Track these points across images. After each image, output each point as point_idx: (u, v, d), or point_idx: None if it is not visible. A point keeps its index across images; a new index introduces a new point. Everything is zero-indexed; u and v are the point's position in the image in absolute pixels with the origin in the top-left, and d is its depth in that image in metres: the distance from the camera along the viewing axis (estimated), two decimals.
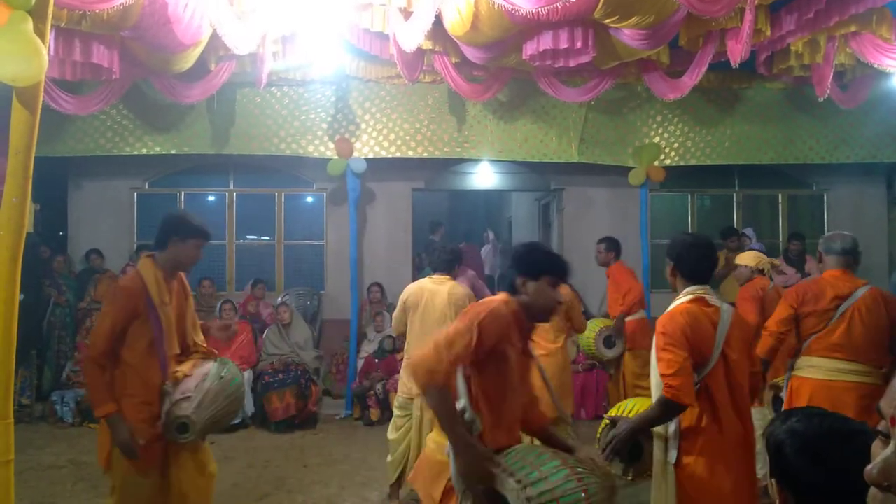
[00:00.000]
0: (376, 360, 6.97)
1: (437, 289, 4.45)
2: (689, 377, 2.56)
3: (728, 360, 2.67)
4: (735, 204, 8.79)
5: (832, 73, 5.88)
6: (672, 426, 2.67)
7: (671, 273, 2.83)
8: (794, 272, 7.42)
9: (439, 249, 4.72)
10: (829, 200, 8.80)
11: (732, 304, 3.44)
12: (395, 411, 4.61)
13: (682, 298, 2.75)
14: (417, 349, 4.26)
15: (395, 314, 4.63)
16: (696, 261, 2.77)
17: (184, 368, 3.10)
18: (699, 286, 2.74)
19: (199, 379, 3.05)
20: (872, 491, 0.99)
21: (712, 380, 2.64)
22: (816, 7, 4.78)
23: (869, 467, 0.99)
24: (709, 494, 2.60)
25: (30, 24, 2.63)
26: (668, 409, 2.60)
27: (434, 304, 4.38)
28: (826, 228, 8.77)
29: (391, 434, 4.57)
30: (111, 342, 2.92)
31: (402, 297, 4.57)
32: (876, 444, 1.02)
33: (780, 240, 8.64)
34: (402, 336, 4.72)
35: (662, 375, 2.57)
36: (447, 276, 4.52)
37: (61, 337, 7.20)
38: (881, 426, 0.99)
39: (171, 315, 3.07)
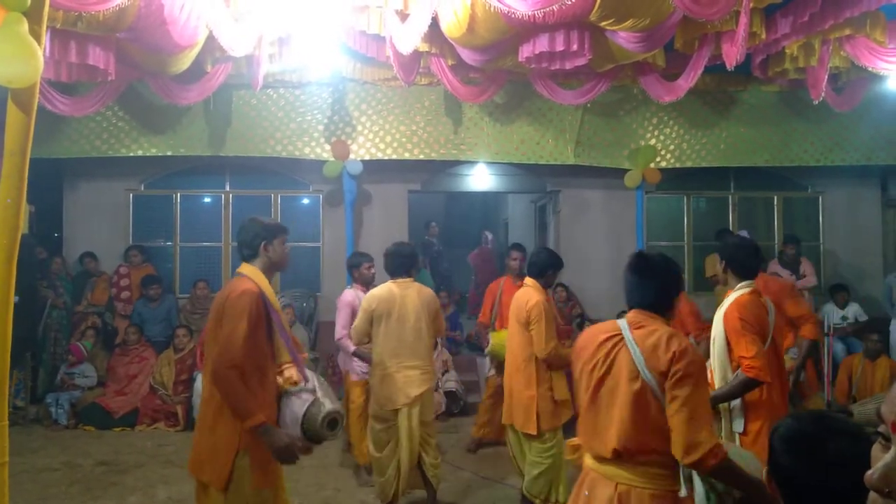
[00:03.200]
0: (303, 372, 6.93)
1: (405, 293, 4.26)
2: (765, 358, 3.08)
3: (775, 344, 3.27)
4: (730, 206, 8.82)
5: (827, 76, 5.90)
6: (737, 401, 3.16)
7: (723, 270, 3.35)
8: (790, 274, 7.44)
9: (393, 253, 4.40)
10: (824, 203, 8.84)
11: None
12: (375, 425, 4.26)
13: (743, 290, 3.24)
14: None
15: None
16: (747, 258, 3.33)
17: (290, 374, 3.02)
18: (750, 281, 3.29)
19: (313, 379, 2.99)
20: (872, 496, 0.99)
21: (767, 359, 3.15)
22: (811, 10, 4.80)
23: (869, 472, 0.98)
24: None
25: (25, 26, 2.62)
26: (748, 386, 3.05)
27: (407, 309, 4.21)
28: (821, 231, 8.81)
29: (376, 451, 4.26)
30: (247, 347, 2.78)
31: (368, 305, 4.24)
32: (875, 448, 1.01)
33: (776, 242, 8.67)
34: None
35: (743, 357, 3.03)
36: (410, 279, 4.36)
37: (57, 339, 7.16)
38: (881, 429, 0.98)
39: (285, 320, 3.06)
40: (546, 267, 4.40)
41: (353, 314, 4.69)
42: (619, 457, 2.23)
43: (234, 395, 2.77)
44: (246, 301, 2.81)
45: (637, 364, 2.23)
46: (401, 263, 4.35)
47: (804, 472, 1.39)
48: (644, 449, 2.22)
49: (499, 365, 5.49)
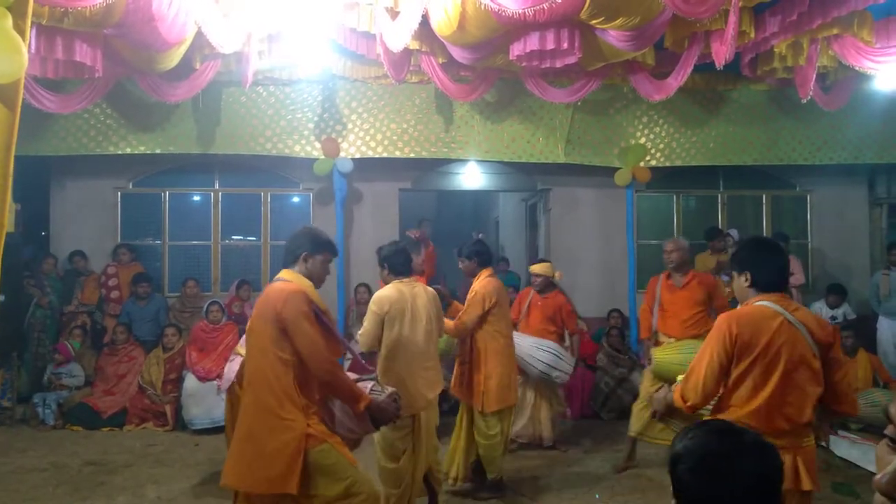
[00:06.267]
0: (363, 361, 6.91)
1: (414, 292, 4.09)
2: None
3: None
4: (720, 204, 8.86)
5: (815, 75, 5.94)
6: None
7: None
8: None
9: (394, 252, 4.19)
10: (812, 201, 8.90)
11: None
12: (390, 434, 3.91)
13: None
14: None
15: (368, 329, 4.01)
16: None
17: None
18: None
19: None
20: (879, 498, 0.98)
21: None
22: (799, 9, 4.83)
23: (878, 476, 0.97)
24: None
25: (9, 21, 2.59)
26: None
27: (419, 309, 4.06)
28: (809, 229, 8.88)
29: (391, 463, 3.95)
30: (325, 341, 3.00)
31: (380, 308, 3.99)
32: (882, 450, 1.00)
33: None
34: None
35: None
36: (413, 279, 4.21)
37: (40, 339, 7.06)
38: (889, 431, 0.98)
39: (331, 317, 3.20)
40: None
41: None
42: (800, 427, 2.62)
43: (342, 386, 3.03)
44: (296, 301, 2.96)
45: (808, 341, 2.64)
46: (400, 262, 4.17)
47: (715, 493, 1.26)
48: (810, 412, 2.65)
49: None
